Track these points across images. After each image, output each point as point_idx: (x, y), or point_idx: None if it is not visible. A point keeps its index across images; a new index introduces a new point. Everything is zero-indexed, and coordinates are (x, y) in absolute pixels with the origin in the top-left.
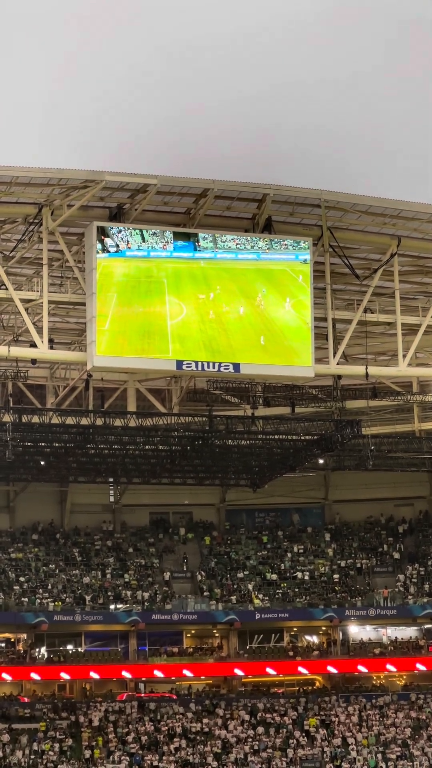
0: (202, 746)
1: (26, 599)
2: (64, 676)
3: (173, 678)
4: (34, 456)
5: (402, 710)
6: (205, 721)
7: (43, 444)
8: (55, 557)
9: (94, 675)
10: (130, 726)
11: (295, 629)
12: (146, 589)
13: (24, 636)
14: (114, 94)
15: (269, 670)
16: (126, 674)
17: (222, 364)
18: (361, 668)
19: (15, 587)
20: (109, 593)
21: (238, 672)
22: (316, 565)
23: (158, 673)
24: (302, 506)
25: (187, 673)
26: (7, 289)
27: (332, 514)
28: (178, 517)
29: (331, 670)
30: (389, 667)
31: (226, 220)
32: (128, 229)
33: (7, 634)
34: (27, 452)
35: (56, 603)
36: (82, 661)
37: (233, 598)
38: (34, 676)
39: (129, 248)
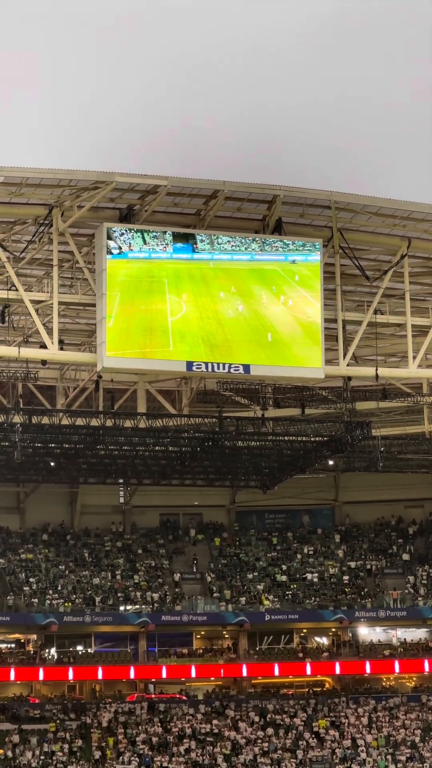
0: (212, 747)
1: (36, 600)
2: (74, 677)
3: (183, 679)
4: (44, 457)
5: (412, 712)
6: (214, 722)
7: (53, 445)
8: (65, 558)
9: (103, 676)
10: (140, 727)
11: (305, 630)
12: (156, 590)
13: (34, 637)
14: (124, 95)
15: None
16: (135, 675)
17: (232, 366)
18: (368, 669)
19: (25, 588)
20: (119, 594)
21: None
22: (326, 567)
23: (167, 675)
24: (312, 507)
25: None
26: (17, 290)
27: (342, 516)
28: (188, 519)
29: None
30: (398, 668)
31: (236, 221)
32: (130, 231)
33: (17, 635)
34: (37, 453)
35: (66, 604)
36: (91, 662)
37: (243, 599)
38: (44, 676)
39: (131, 250)
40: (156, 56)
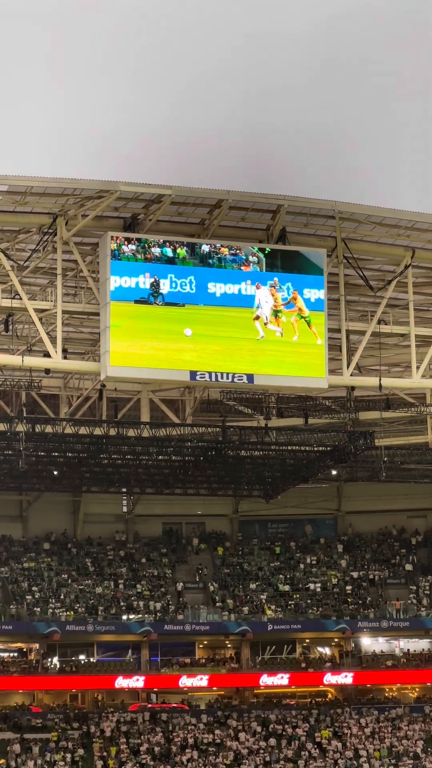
0: (214, 757)
1: (39, 609)
2: (76, 686)
3: (185, 689)
4: (47, 466)
5: (415, 722)
6: (217, 732)
7: (56, 454)
8: (68, 567)
9: (105, 685)
10: (142, 737)
11: (307, 641)
12: (159, 600)
13: (36, 646)
14: (129, 104)
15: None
16: (138, 685)
17: (236, 375)
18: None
19: (27, 597)
20: (122, 603)
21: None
22: (328, 577)
23: (170, 684)
24: (315, 517)
25: (198, 683)
26: (21, 298)
27: (345, 526)
28: (191, 528)
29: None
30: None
31: (241, 230)
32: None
33: (19, 644)
34: (40, 462)
35: (69, 613)
36: (94, 671)
37: (245, 609)
38: (46, 686)
39: None
40: (160, 65)
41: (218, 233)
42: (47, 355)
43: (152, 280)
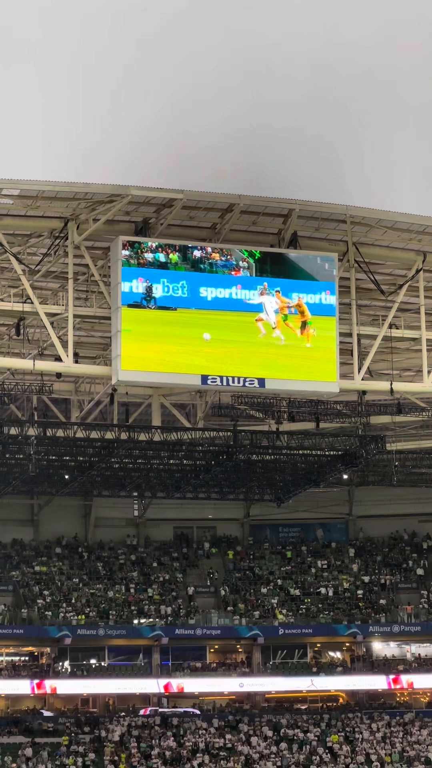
0: (225, 762)
1: (50, 613)
2: (87, 690)
3: (196, 693)
4: (58, 470)
5: (426, 727)
6: (228, 736)
7: (67, 458)
8: (79, 571)
9: (116, 689)
10: (153, 741)
11: (318, 645)
12: (170, 604)
13: (47, 650)
14: (140, 109)
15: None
16: (149, 689)
17: (247, 379)
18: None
19: (39, 601)
20: (133, 608)
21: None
22: (339, 581)
23: (181, 688)
24: (326, 521)
25: (209, 687)
26: (32, 302)
27: (356, 530)
28: (202, 532)
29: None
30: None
31: (252, 235)
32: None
33: (30, 648)
34: (51, 466)
35: (80, 617)
36: (105, 676)
37: (257, 613)
38: (57, 689)
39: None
40: (171, 70)
41: (229, 237)
42: (58, 359)
43: (146, 284)
